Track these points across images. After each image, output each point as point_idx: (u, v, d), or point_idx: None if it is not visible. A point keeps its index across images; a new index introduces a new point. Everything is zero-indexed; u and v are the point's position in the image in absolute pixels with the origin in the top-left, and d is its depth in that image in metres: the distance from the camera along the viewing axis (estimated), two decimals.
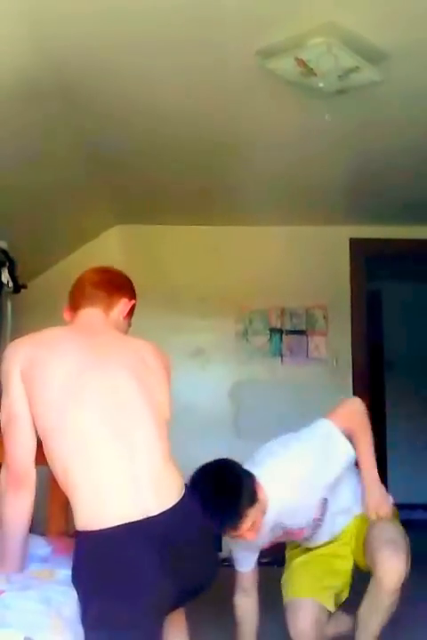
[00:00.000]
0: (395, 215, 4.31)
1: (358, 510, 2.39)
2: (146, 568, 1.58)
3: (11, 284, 3.28)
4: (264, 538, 2.28)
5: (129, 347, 1.88)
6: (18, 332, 3.71)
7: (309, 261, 4.57)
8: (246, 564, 2.39)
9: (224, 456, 2.14)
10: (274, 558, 2.64)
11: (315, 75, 2.46)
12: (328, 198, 4.09)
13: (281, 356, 4.57)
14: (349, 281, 4.57)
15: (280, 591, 2.44)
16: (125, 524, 1.59)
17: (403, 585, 2.15)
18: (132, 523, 1.59)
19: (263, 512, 2.12)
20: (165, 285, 4.54)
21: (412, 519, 5.33)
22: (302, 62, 2.39)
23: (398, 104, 2.85)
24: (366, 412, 2.36)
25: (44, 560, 1.83)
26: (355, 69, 2.44)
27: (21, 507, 1.71)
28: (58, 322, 2.02)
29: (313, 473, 2.19)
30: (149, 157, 3.47)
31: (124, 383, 1.76)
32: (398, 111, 2.92)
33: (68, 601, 1.59)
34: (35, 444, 1.72)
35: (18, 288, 3.38)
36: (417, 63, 2.51)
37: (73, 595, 1.61)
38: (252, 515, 2.05)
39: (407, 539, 2.26)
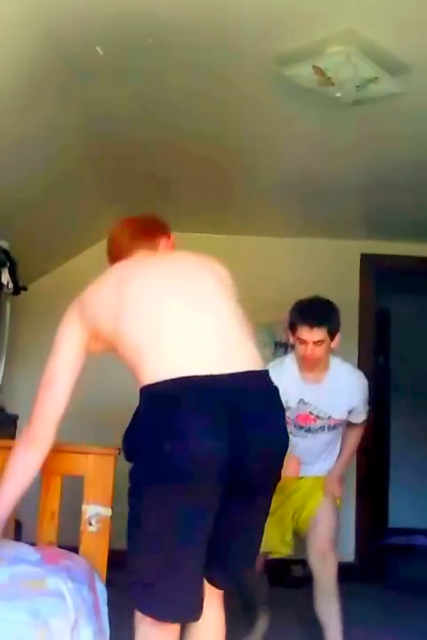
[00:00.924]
0: (410, 232, 4.24)
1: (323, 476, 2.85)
2: (198, 425, 1.49)
3: (10, 286, 3.21)
4: (296, 393, 2.63)
5: (195, 255, 1.93)
6: (16, 336, 3.66)
7: (317, 275, 4.46)
8: None
9: None
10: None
11: (332, 84, 2.43)
12: (340, 211, 4.03)
13: None
14: (358, 297, 4.49)
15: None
16: (185, 377, 1.52)
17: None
18: (192, 377, 1.52)
19: (329, 351, 2.61)
20: None
21: (413, 544, 5.25)
22: (319, 70, 2.35)
23: (416, 118, 2.80)
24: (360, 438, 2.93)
25: (35, 565, 1.77)
26: (374, 80, 2.40)
27: (27, 462, 1.72)
28: (57, 327, 1.93)
29: (355, 392, 2.73)
30: (157, 161, 3.42)
31: (199, 273, 1.81)
32: (416, 125, 2.87)
33: (56, 613, 1.52)
34: (62, 412, 1.73)
35: (18, 290, 3.31)
36: None
37: (63, 606, 1.55)
38: (325, 335, 2.55)
39: (339, 520, 2.81)
